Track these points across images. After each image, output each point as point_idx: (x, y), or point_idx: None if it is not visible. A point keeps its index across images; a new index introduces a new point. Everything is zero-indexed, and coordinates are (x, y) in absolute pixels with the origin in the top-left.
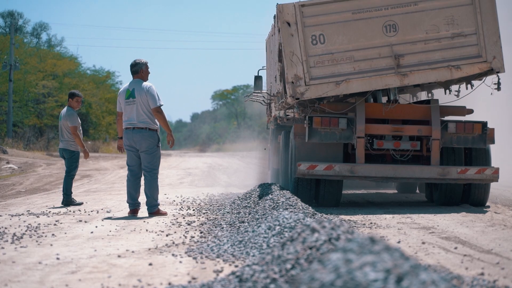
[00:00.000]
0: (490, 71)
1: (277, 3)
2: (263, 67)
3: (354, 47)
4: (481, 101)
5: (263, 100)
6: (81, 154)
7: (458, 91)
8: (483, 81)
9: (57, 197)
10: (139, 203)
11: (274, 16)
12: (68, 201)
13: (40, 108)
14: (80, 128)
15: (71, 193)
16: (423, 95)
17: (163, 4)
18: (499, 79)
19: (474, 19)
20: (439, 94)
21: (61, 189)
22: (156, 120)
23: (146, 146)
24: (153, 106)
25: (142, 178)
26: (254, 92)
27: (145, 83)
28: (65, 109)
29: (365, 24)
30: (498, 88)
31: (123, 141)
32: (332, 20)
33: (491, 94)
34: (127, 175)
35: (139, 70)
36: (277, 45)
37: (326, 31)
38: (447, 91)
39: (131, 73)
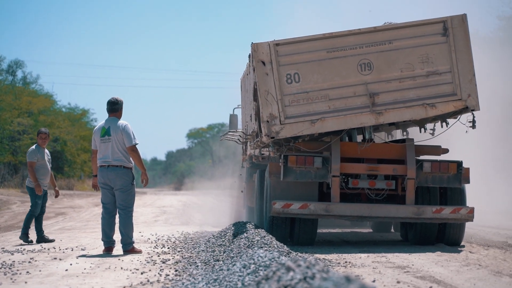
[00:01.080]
0: (465, 109)
1: (252, 42)
2: (238, 105)
3: (329, 85)
4: (456, 139)
5: (238, 139)
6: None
7: (433, 130)
8: (458, 119)
9: (32, 234)
10: (114, 241)
11: (249, 55)
12: (24, 236)
13: (15, 146)
14: (46, 164)
15: (27, 231)
16: (398, 134)
17: (139, 42)
18: (474, 117)
19: (448, 57)
20: (414, 132)
21: (34, 227)
22: (130, 158)
23: (121, 184)
24: (128, 145)
25: (117, 216)
26: (229, 131)
27: (120, 122)
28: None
29: (340, 63)
30: (473, 126)
31: (97, 178)
32: (307, 59)
33: (466, 132)
34: (102, 213)
35: (119, 108)
36: (252, 84)
37: (301, 69)
38: (422, 129)
39: (109, 110)
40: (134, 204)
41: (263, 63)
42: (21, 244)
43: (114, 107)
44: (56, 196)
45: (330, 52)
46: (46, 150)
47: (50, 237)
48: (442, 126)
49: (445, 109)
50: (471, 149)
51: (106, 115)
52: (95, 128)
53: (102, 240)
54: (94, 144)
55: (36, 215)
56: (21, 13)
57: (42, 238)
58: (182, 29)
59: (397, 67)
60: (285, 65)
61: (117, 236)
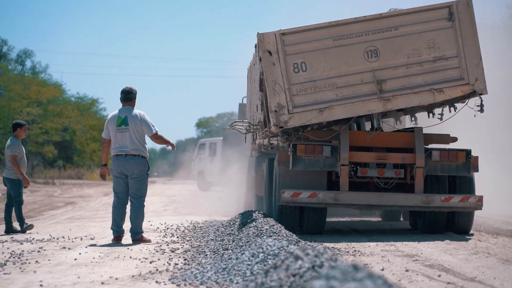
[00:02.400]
0: (472, 93)
1: (258, 32)
2: (247, 94)
3: (336, 73)
4: (463, 127)
5: (245, 128)
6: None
7: (442, 114)
8: (466, 104)
9: (41, 224)
10: (123, 230)
11: (255, 45)
12: (22, 228)
13: None
14: (25, 158)
15: (11, 221)
16: (406, 119)
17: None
18: (481, 101)
19: (455, 42)
20: (422, 118)
21: (46, 216)
22: (146, 148)
23: (137, 173)
24: (150, 134)
25: (128, 206)
26: (236, 121)
27: (137, 111)
28: (10, 139)
29: (346, 51)
30: (481, 110)
31: (108, 168)
32: (313, 48)
33: (474, 116)
34: (114, 202)
35: (133, 98)
36: (258, 74)
37: (308, 58)
38: (431, 114)
39: (123, 99)
40: (146, 194)
41: (270, 53)
42: (31, 233)
43: (129, 96)
44: (26, 185)
45: (336, 40)
46: None
47: (18, 229)
48: (450, 111)
49: (453, 93)
50: (479, 136)
51: (115, 104)
52: (109, 117)
53: (112, 229)
54: (106, 133)
55: (23, 203)
56: (30, 3)
57: (10, 229)
58: (192, 17)
59: (403, 53)
60: (292, 54)
61: (126, 226)
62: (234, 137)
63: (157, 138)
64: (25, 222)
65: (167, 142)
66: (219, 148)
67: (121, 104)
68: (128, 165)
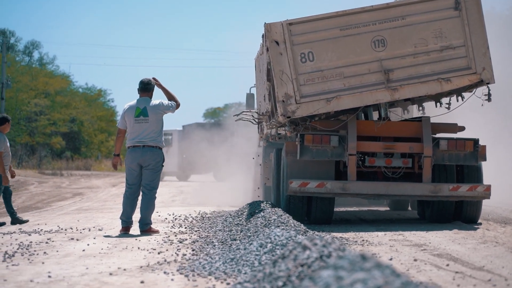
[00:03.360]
0: (480, 83)
1: (265, 22)
2: (254, 85)
3: (344, 63)
4: (471, 116)
5: (253, 119)
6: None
7: (449, 104)
8: (474, 93)
9: (49, 215)
10: (132, 221)
11: (263, 35)
12: (15, 219)
13: (32, 126)
14: (9, 154)
15: (15, 212)
16: (414, 109)
17: (156, 21)
18: (489, 90)
19: (462, 31)
20: (430, 107)
21: (54, 207)
22: (163, 139)
23: (154, 164)
24: (173, 110)
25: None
26: (243, 111)
27: (155, 101)
28: None
29: (353, 40)
30: (489, 99)
31: (121, 158)
32: (320, 37)
33: (482, 105)
34: (125, 193)
35: (151, 89)
36: (265, 64)
37: (315, 48)
38: (438, 104)
39: (141, 89)
40: (159, 186)
41: (277, 43)
42: (39, 225)
43: (147, 87)
44: (13, 177)
45: (343, 30)
46: None
47: (25, 219)
48: (457, 100)
49: (460, 83)
50: (486, 126)
51: (123, 95)
52: (126, 107)
53: (121, 219)
54: (122, 123)
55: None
56: None
57: (16, 220)
58: (198, 7)
59: (411, 43)
60: (299, 44)
61: (134, 216)
62: (196, 128)
63: (178, 105)
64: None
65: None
66: (175, 139)
67: (137, 95)
68: (145, 156)
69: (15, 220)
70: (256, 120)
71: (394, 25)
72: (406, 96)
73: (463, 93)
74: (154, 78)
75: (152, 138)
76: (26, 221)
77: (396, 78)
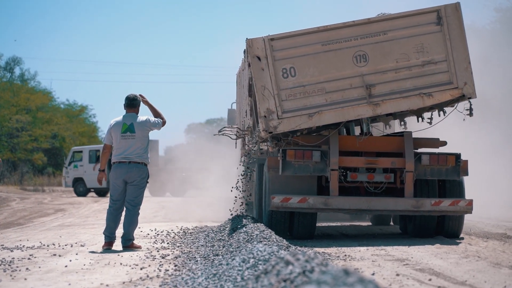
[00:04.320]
0: (461, 97)
1: (247, 38)
2: (236, 100)
3: (325, 78)
4: (455, 130)
5: (235, 134)
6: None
7: (431, 119)
8: (455, 108)
9: (31, 231)
10: (115, 237)
11: (244, 51)
12: None
13: (14, 143)
14: None
15: None
16: (396, 124)
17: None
18: (471, 104)
19: (443, 46)
20: (412, 122)
21: (36, 223)
22: (148, 156)
23: (139, 180)
24: (160, 127)
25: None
26: (225, 127)
27: (142, 117)
28: None
29: (335, 55)
30: (471, 114)
31: (107, 174)
32: (302, 53)
33: (464, 120)
34: (109, 208)
35: (137, 104)
36: (247, 80)
37: (297, 63)
38: (420, 119)
39: (128, 105)
40: (142, 202)
41: (259, 58)
42: (21, 241)
43: (133, 103)
44: None
45: (325, 45)
46: None
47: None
48: (439, 115)
49: (442, 98)
50: (470, 140)
51: (105, 111)
52: (112, 123)
53: (104, 234)
54: (108, 139)
55: None
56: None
57: None
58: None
59: (392, 58)
60: (281, 60)
61: (117, 232)
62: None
63: (164, 122)
64: None
65: (156, 111)
66: None
67: (120, 111)
68: (131, 172)
69: None
70: (237, 136)
71: (376, 40)
72: (388, 111)
73: (444, 108)
74: (141, 95)
75: (138, 154)
76: None
77: (378, 93)
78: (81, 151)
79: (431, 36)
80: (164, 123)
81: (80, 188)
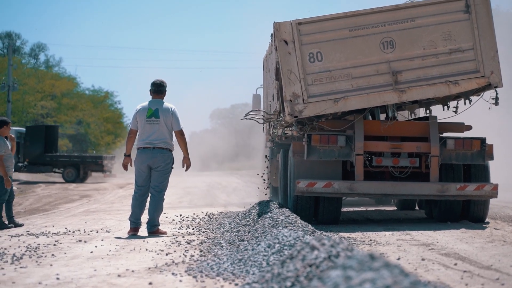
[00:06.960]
0: (488, 86)
1: (274, 22)
2: (261, 85)
3: (352, 64)
4: (479, 116)
5: (262, 118)
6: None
7: (456, 107)
8: (481, 96)
9: (57, 217)
10: (141, 222)
11: (271, 35)
12: (1, 224)
13: None
14: (12, 157)
15: (1, 216)
16: (421, 112)
17: (162, 23)
18: (497, 94)
19: (471, 34)
20: (437, 110)
21: (61, 210)
22: (173, 142)
23: (163, 166)
24: (176, 129)
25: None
26: (251, 111)
27: (168, 105)
28: None
29: (362, 41)
30: (496, 103)
31: (132, 159)
32: (329, 38)
33: (489, 109)
34: (135, 194)
35: (164, 90)
36: (274, 64)
37: (324, 48)
38: (445, 107)
39: (154, 91)
40: (167, 188)
41: (286, 42)
42: (46, 227)
43: (160, 89)
44: (7, 187)
45: (352, 31)
46: None
47: (20, 222)
48: (465, 104)
49: (468, 86)
50: (494, 125)
51: (130, 97)
52: (138, 108)
53: (130, 219)
54: (134, 123)
55: (4, 202)
56: None
57: (13, 223)
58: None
59: (419, 45)
60: (308, 44)
61: (142, 218)
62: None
63: (181, 134)
64: (14, 221)
65: (186, 149)
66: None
67: (145, 96)
68: (155, 158)
69: (3, 226)
70: (264, 120)
71: (403, 27)
72: (413, 98)
73: (470, 96)
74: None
75: (162, 139)
76: (22, 224)
77: (404, 80)
78: None
79: (458, 24)
80: (181, 133)
81: None
